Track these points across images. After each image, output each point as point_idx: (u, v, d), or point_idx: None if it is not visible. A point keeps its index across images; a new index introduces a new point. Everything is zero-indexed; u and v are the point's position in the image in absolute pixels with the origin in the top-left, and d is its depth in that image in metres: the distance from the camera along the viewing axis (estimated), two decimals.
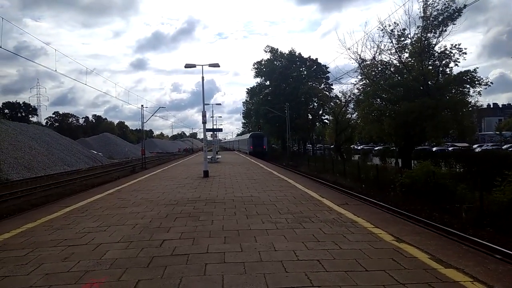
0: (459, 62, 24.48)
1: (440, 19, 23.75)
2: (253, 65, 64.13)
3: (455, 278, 4.19)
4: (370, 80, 27.78)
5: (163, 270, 4.58)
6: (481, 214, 11.56)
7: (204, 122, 19.85)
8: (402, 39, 25.81)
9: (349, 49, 31.03)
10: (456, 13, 23.35)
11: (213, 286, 4.05)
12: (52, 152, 43.00)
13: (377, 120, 26.19)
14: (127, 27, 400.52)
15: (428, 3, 23.94)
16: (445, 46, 24.55)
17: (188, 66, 19.30)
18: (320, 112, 59.56)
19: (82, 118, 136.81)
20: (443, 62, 25.15)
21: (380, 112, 26.13)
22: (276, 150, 69.24)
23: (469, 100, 24.38)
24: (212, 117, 45.92)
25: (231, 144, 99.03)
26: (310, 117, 60.45)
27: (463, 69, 24.73)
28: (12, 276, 4.54)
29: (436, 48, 24.92)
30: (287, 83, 58.58)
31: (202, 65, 19.25)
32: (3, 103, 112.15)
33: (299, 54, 61.33)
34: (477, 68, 26.76)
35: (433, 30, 24.25)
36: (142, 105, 43.39)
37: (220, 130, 45.69)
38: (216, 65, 19.58)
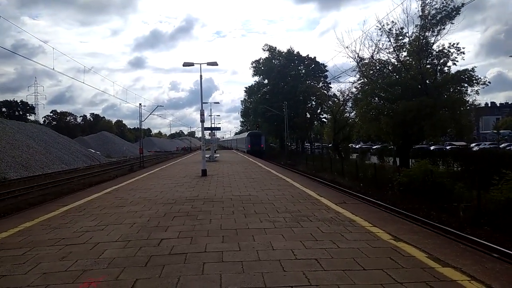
0: (457, 61, 24.58)
1: (438, 18, 23.79)
2: (251, 64, 64.09)
3: (452, 277, 4.21)
4: (368, 78, 27.80)
5: (161, 269, 4.57)
6: (479, 213, 11.58)
7: (202, 121, 19.85)
8: (400, 38, 25.84)
9: (347, 47, 30.97)
10: (454, 12, 23.39)
11: (211, 285, 4.05)
12: (49, 151, 42.88)
13: (375, 119, 26.20)
14: (125, 25, 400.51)
15: (426, 1, 24.02)
16: (443, 45, 24.63)
17: (186, 64, 19.27)
18: (318, 110, 59.56)
19: (80, 116, 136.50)
20: (441, 61, 25.17)
21: (378, 111, 26.14)
22: (275, 148, 69.21)
23: (467, 99, 24.49)
24: (210, 115, 46.00)
25: (229, 142, 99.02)
26: (308, 116, 60.42)
27: (461, 68, 24.82)
28: (10, 275, 4.53)
29: (434, 46, 25.00)
30: (285, 81, 58.53)
31: (200, 64, 19.28)
32: (0, 102, 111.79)
33: (298, 52, 61.28)
34: (475, 67, 26.83)
35: (431, 29, 24.28)
36: (140, 104, 43.30)
37: (218, 128, 45.69)
38: (214, 64, 19.56)
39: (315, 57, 61.51)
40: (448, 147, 43.47)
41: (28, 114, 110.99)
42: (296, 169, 31.45)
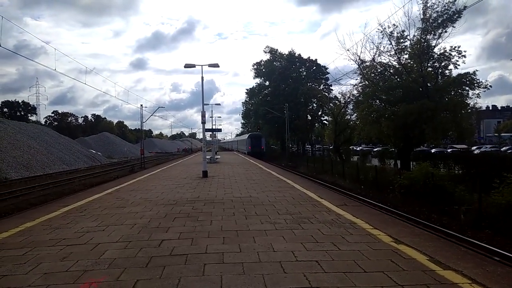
0: (458, 64, 24.50)
1: (439, 21, 23.74)
2: (253, 66, 64.16)
3: (453, 279, 4.20)
4: (370, 81, 27.79)
5: (161, 270, 4.58)
6: (480, 216, 11.56)
7: (204, 122, 19.85)
8: (402, 40, 25.83)
9: (348, 50, 31.11)
10: (456, 15, 23.36)
11: (212, 287, 4.05)
12: (51, 151, 42.92)
13: (376, 121, 26.17)
14: (127, 26, 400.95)
15: (428, 5, 23.96)
16: (444, 48, 24.57)
17: (187, 66, 19.31)
18: (319, 113, 59.61)
19: (81, 117, 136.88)
20: (443, 64, 25.13)
21: (379, 114, 26.12)
22: (275, 150, 69.22)
23: (468, 102, 24.46)
24: (212, 117, 45.90)
25: (230, 144, 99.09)
26: (309, 118, 60.50)
27: (462, 71, 24.76)
28: (11, 275, 4.53)
29: (436, 49, 24.92)
30: (286, 83, 58.61)
31: (202, 65, 19.28)
32: (2, 102, 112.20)
33: (299, 55, 61.43)
34: (477, 70, 26.74)
35: (432, 32, 24.23)
36: (141, 105, 43.39)
37: (219, 130, 45.68)
38: (215, 65, 19.59)
39: (316, 59, 61.76)
40: (449, 150, 43.47)
41: (29, 115, 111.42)
42: (297, 171, 31.46)
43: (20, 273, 4.60)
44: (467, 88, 23.93)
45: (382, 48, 26.69)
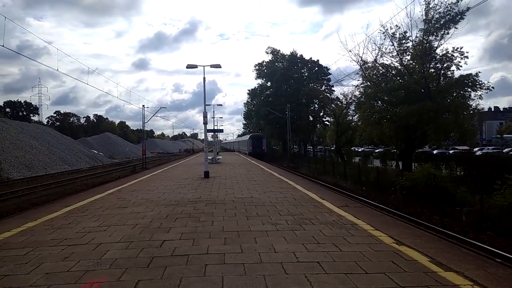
0: (461, 66, 24.46)
1: (442, 22, 23.74)
2: (255, 67, 64.11)
3: (455, 281, 4.19)
4: (371, 82, 27.78)
5: (163, 270, 4.58)
6: (482, 218, 11.54)
7: (205, 123, 19.85)
8: (404, 41, 25.83)
9: (350, 51, 31.03)
10: (459, 16, 23.34)
11: (213, 287, 4.06)
12: (53, 151, 43.02)
13: (378, 123, 26.17)
14: (129, 27, 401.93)
15: (430, 6, 23.97)
16: (446, 49, 24.56)
17: (189, 66, 19.33)
18: (321, 113, 59.60)
19: (83, 117, 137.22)
20: (445, 65, 25.11)
21: (380, 115, 26.10)
22: (277, 151, 69.23)
23: (470, 104, 24.40)
24: (213, 117, 45.90)
25: (232, 145, 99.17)
26: (311, 119, 60.48)
27: (464, 72, 24.72)
28: (12, 275, 4.55)
29: (438, 51, 24.91)
30: (288, 84, 58.62)
31: (204, 66, 19.28)
32: (4, 102, 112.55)
33: (301, 55, 61.41)
34: (480, 72, 26.74)
35: (434, 33, 24.22)
36: (143, 105, 43.39)
37: (221, 131, 45.49)
38: (217, 66, 19.60)
39: (318, 60, 61.75)
40: (451, 151, 43.37)
41: (31, 115, 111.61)
42: (299, 171, 31.45)
43: (21, 273, 4.61)
44: (469, 90, 23.89)
45: (384, 49, 26.78)
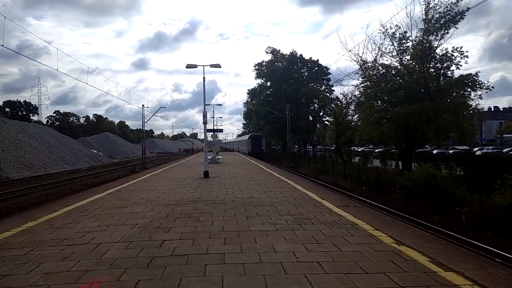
0: (460, 65, 24.45)
1: (442, 22, 23.72)
2: (254, 66, 64.08)
3: (454, 281, 4.19)
4: (371, 82, 27.78)
5: (162, 270, 4.58)
6: (481, 218, 11.54)
7: (205, 123, 19.85)
8: (404, 41, 25.83)
9: (350, 51, 31.09)
10: (459, 16, 23.33)
11: (213, 287, 4.06)
12: (52, 151, 43.00)
13: (378, 122, 26.17)
14: (129, 27, 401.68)
15: (430, 5, 23.95)
16: (446, 49, 24.55)
17: (189, 66, 19.33)
18: (321, 113, 59.57)
19: (83, 117, 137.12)
20: (445, 65, 25.10)
21: (380, 115, 26.10)
22: (277, 151, 69.21)
23: (470, 103, 24.39)
24: (213, 117, 45.92)
25: (231, 144, 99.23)
26: (311, 119, 60.44)
27: (464, 72, 24.71)
28: (12, 275, 4.54)
29: (438, 50, 24.89)
30: (288, 84, 58.62)
31: (204, 66, 19.28)
32: (4, 102, 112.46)
33: (300, 55, 61.38)
34: (479, 72, 26.69)
35: (434, 33, 24.21)
36: (143, 105, 43.38)
37: (221, 130, 45.60)
38: (217, 66, 19.59)
39: (318, 60, 61.73)
40: (451, 151, 43.38)
41: (31, 115, 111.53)
42: (298, 171, 31.44)
43: (21, 273, 4.61)
44: (469, 89, 23.88)
45: (384, 49, 26.79)
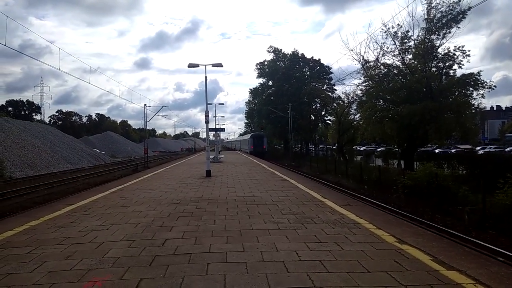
0: (462, 64, 24.42)
1: (444, 21, 23.67)
2: (256, 66, 64.01)
3: (457, 280, 4.19)
4: (373, 81, 27.74)
5: (165, 269, 4.59)
6: (484, 217, 11.51)
7: (207, 122, 19.87)
8: (406, 41, 25.78)
9: (352, 50, 31.26)
10: (460, 15, 23.27)
11: (215, 286, 4.06)
12: (55, 150, 43.11)
13: (380, 122, 26.13)
14: (131, 26, 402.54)
15: (432, 5, 23.91)
16: (448, 48, 24.50)
17: (191, 65, 19.33)
18: (323, 112, 59.44)
19: (85, 116, 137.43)
20: (447, 64, 25.05)
21: (382, 114, 26.06)
22: (279, 150, 69.14)
23: (472, 103, 24.34)
24: (215, 116, 45.88)
25: (233, 144, 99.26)
26: (313, 118, 60.31)
27: (466, 71, 24.70)
28: (15, 273, 4.56)
29: (440, 50, 24.87)
30: (289, 83, 58.54)
31: (205, 65, 19.29)
32: (6, 101, 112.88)
33: (302, 54, 61.26)
34: (481, 71, 26.63)
35: (436, 32, 24.17)
36: (145, 104, 43.44)
37: (223, 130, 45.66)
38: (219, 65, 19.59)
39: (319, 59, 61.62)
40: (453, 150, 43.24)
41: (34, 114, 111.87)
42: (300, 170, 31.42)
43: (24, 271, 4.63)
44: (471, 89, 23.84)
45: (386, 48, 26.74)
